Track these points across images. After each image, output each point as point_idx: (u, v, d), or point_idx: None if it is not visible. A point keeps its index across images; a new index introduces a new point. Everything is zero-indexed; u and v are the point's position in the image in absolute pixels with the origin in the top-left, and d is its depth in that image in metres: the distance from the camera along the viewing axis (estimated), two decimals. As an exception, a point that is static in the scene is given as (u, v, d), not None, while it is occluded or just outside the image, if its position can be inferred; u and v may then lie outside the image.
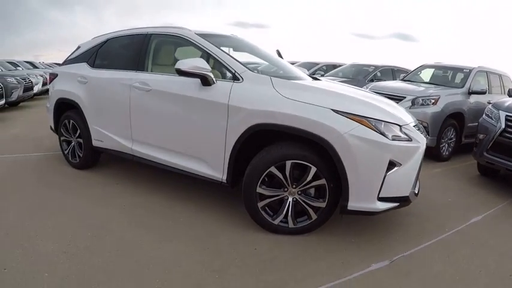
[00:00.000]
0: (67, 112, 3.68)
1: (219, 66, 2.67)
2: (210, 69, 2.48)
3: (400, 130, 2.29)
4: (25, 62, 12.15)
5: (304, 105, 2.25)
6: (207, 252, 2.23)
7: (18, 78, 7.98)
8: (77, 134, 3.59)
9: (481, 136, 3.70)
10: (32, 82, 8.75)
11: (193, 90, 2.58)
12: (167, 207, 2.85)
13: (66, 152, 3.78)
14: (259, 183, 2.37)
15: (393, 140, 2.22)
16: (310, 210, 2.38)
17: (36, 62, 13.65)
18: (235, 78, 2.50)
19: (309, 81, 2.84)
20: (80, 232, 2.40)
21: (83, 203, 2.87)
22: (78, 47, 3.82)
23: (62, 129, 3.76)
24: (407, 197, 2.35)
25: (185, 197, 3.05)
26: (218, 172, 2.58)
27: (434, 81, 5.54)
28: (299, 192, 2.38)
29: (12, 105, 8.09)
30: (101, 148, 3.41)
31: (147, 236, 2.40)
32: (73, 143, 3.70)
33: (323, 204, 2.35)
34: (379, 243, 2.45)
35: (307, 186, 2.34)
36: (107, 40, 3.47)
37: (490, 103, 4.99)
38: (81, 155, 3.61)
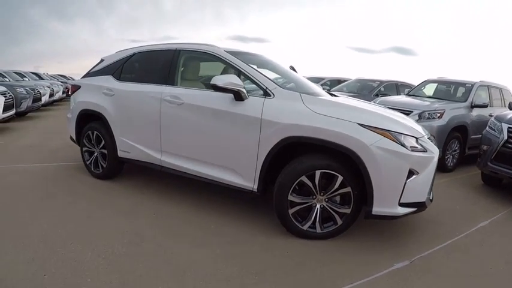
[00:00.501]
0: (90, 123, 3.80)
1: (249, 83, 2.83)
2: (243, 85, 2.67)
3: (417, 142, 2.49)
4: (31, 72, 12.24)
5: (333, 119, 2.44)
6: (242, 257, 2.34)
7: (27, 88, 8.08)
8: (101, 145, 3.69)
9: (484, 147, 3.91)
10: (40, 93, 8.87)
11: (227, 105, 2.75)
12: (196, 216, 2.95)
13: (88, 162, 3.88)
14: (290, 191, 2.52)
15: (412, 150, 2.41)
16: (337, 216, 2.54)
17: (42, 73, 13.75)
18: (266, 94, 2.69)
19: (330, 97, 3.03)
20: (114, 239, 2.48)
21: (111, 212, 2.95)
22: (102, 60, 3.97)
23: (84, 140, 3.87)
24: (424, 202, 2.52)
25: (211, 206, 3.16)
26: (249, 182, 2.72)
27: (437, 96, 5.80)
28: (326, 200, 2.54)
29: (20, 115, 8.16)
30: (126, 159, 3.52)
31: (182, 242, 2.49)
32: (96, 154, 3.80)
33: (348, 210, 2.52)
34: (397, 246, 2.60)
35: (334, 193, 2.51)
36: (133, 54, 3.64)
37: (491, 116, 5.24)
38: (104, 166, 3.71)
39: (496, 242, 2.82)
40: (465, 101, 5.13)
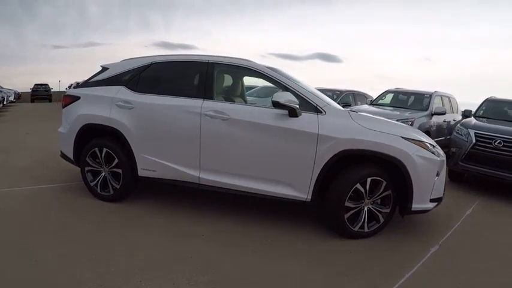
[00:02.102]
0: (97, 139, 3.36)
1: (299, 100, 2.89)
2: (298, 102, 2.79)
3: (434, 148, 3.02)
4: None
5: (381, 134, 2.81)
6: (319, 262, 2.49)
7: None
8: (113, 164, 3.30)
9: (454, 149, 4.77)
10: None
11: (280, 121, 2.83)
12: (242, 233, 2.90)
13: (93, 184, 3.41)
14: (347, 198, 2.77)
15: (437, 156, 2.95)
16: (380, 216, 2.89)
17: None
18: (317, 111, 2.86)
19: (368, 114, 3.39)
20: (186, 267, 2.32)
21: (155, 237, 2.70)
22: (105, 69, 3.55)
23: (87, 159, 3.39)
24: (442, 197, 3.09)
25: (252, 220, 3.15)
26: (303, 193, 2.86)
27: (397, 105, 6.74)
28: (371, 203, 2.87)
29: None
30: (150, 178, 3.22)
31: (255, 258, 2.49)
32: (103, 174, 3.37)
33: (388, 210, 2.90)
34: (420, 237, 3.06)
35: (379, 197, 2.86)
36: (151, 64, 3.36)
37: (445, 121, 6.32)
38: (117, 187, 3.32)
39: (488, 221, 3.64)
40: (427, 109, 6.11)
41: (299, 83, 3.09)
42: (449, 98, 7.16)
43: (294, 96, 2.78)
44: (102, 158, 3.34)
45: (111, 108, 3.27)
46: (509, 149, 4.12)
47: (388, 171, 2.82)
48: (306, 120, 2.81)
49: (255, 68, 3.09)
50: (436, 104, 6.22)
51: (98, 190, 3.40)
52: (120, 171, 3.28)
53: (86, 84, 3.60)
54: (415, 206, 2.84)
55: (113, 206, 3.29)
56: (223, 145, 2.97)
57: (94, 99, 3.40)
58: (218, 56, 3.22)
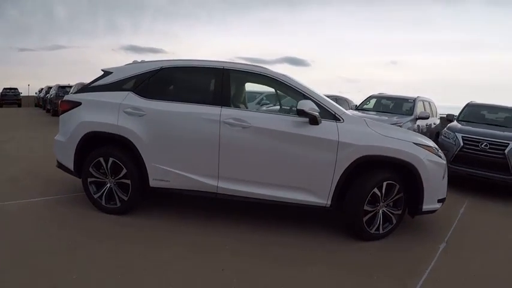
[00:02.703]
0: (101, 148, 3.15)
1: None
2: (319, 110, 2.85)
3: (438, 152, 3.23)
4: None
5: (395, 140, 2.95)
6: (349, 266, 2.57)
7: None
8: (121, 174, 3.10)
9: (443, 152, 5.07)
10: None
11: (301, 128, 2.87)
12: (261, 241, 2.86)
13: (97, 196, 3.18)
14: (366, 202, 2.87)
15: (443, 159, 3.17)
16: (393, 217, 3.04)
17: None
18: (335, 118, 2.94)
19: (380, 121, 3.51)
20: (222, 281, 2.25)
21: (174, 252, 2.58)
22: (108, 73, 3.35)
23: (91, 169, 3.16)
24: (445, 197, 3.29)
25: (263, 228, 3.13)
26: (323, 199, 2.91)
27: (382, 110, 7.04)
28: (385, 205, 3.00)
29: None
30: (163, 188, 3.08)
31: (283, 266, 2.48)
32: (108, 185, 3.17)
33: (400, 212, 3.06)
34: (426, 237, 3.22)
35: (392, 199, 2.99)
36: (160, 69, 3.22)
37: (427, 125, 6.68)
38: (125, 198, 3.13)
39: (481, 218, 3.93)
40: (412, 114, 6.45)
41: (315, 91, 3.13)
42: (429, 102, 7.64)
43: (314, 105, 2.83)
44: (107, 169, 3.13)
45: (119, 115, 3.09)
46: (495, 150, 4.48)
47: (400, 175, 2.96)
48: (327, 128, 2.88)
49: (271, 75, 3.10)
50: (419, 109, 6.59)
51: (103, 202, 3.18)
52: (128, 182, 3.10)
53: (87, 89, 3.37)
54: (426, 206, 3.02)
55: (120, 219, 3.10)
56: (243, 153, 2.93)
57: (98, 105, 3.18)
58: (233, 63, 3.19)
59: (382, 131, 2.99)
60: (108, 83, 3.28)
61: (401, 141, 2.96)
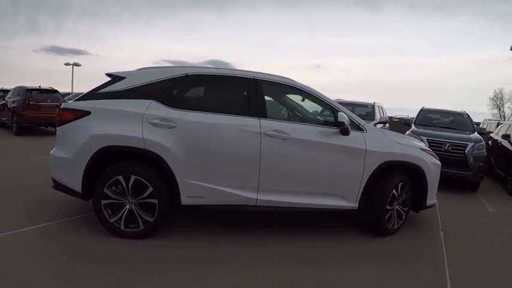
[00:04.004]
0: (120, 165, 2.76)
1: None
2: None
3: (435, 154, 3.79)
4: None
5: (408, 147, 3.37)
6: (376, 262, 2.81)
7: None
8: (146, 194, 2.76)
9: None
10: None
11: (334, 138, 3.03)
12: (305, 246, 2.94)
13: (113, 220, 2.77)
14: (388, 201, 3.19)
15: (439, 161, 3.71)
16: (403, 214, 3.43)
17: None
18: (359, 129, 3.17)
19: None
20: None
21: (227, 272, 2.44)
22: (119, 78, 2.93)
23: (106, 190, 2.74)
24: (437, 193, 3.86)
25: (301, 234, 3.21)
26: (352, 202, 3.13)
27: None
28: (399, 204, 3.36)
29: None
30: (197, 206, 2.86)
31: (342, 269, 2.60)
32: (127, 207, 2.79)
33: (407, 208, 3.49)
34: (421, 227, 3.72)
35: (403, 198, 3.38)
36: (186, 76, 2.95)
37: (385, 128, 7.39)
38: (151, 220, 2.79)
39: (454, 208, 4.56)
40: (372, 119, 7.12)
41: (336, 103, 3.32)
42: (381, 107, 8.54)
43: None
44: (128, 188, 2.75)
45: (143, 126, 2.73)
46: (456, 151, 5.31)
47: (409, 176, 3.35)
48: (355, 138, 3.10)
49: (299, 87, 3.20)
50: (377, 114, 7.33)
51: (122, 227, 2.78)
52: (155, 201, 2.77)
53: (93, 96, 2.88)
54: (428, 202, 3.50)
55: (143, 244, 2.75)
56: (283, 164, 2.94)
57: (115, 115, 2.77)
58: (263, 73, 3.16)
59: (396, 138, 3.37)
60: (122, 90, 2.88)
61: (411, 147, 3.39)
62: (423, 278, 2.58)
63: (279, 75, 3.22)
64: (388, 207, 3.21)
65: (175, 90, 2.93)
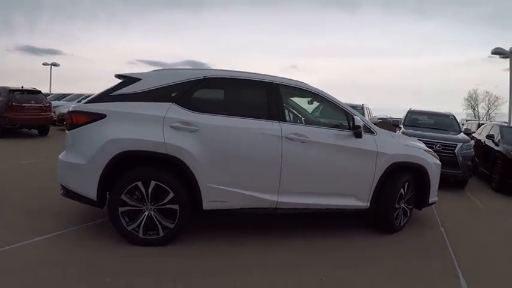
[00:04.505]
0: (139, 171, 2.67)
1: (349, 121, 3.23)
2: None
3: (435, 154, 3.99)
4: None
5: (414, 148, 3.56)
6: (402, 255, 2.94)
7: None
8: (167, 199, 2.68)
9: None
10: None
11: (348, 141, 3.14)
12: (319, 249, 3.00)
13: (132, 228, 2.67)
14: (397, 200, 3.36)
15: (439, 161, 3.93)
16: (408, 211, 3.61)
17: None
18: (370, 132, 3.30)
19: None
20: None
21: (273, 279, 2.44)
22: (134, 79, 2.82)
23: (124, 197, 2.63)
24: None
25: (311, 236, 3.27)
26: (364, 202, 3.25)
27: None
28: (404, 202, 3.52)
29: None
30: (218, 210, 2.82)
31: (364, 266, 2.69)
32: (146, 213, 2.70)
33: (411, 206, 3.66)
34: (421, 224, 3.90)
35: (408, 197, 3.54)
36: (204, 78, 2.90)
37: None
38: (171, 226, 2.72)
39: (449, 205, 4.79)
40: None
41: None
42: (369, 108, 8.83)
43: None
44: (147, 194, 2.66)
45: (164, 130, 2.65)
46: (447, 150, 5.60)
47: (413, 176, 3.52)
48: (368, 140, 3.22)
49: (314, 91, 3.28)
50: (366, 115, 7.59)
51: (140, 234, 2.68)
52: (176, 207, 2.70)
53: (107, 98, 2.75)
54: (431, 200, 3.71)
55: (162, 251, 2.66)
56: (302, 166, 2.99)
57: (133, 118, 2.67)
58: (279, 77, 3.18)
59: (402, 140, 3.55)
60: (138, 92, 2.78)
61: (416, 148, 3.58)
62: (436, 269, 2.78)
63: (292, 79, 3.25)
64: (396, 205, 3.36)
65: (194, 93, 2.87)
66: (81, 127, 2.67)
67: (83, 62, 62.76)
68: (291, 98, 3.53)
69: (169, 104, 2.76)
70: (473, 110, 43.68)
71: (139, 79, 2.83)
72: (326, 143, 3.05)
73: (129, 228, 2.67)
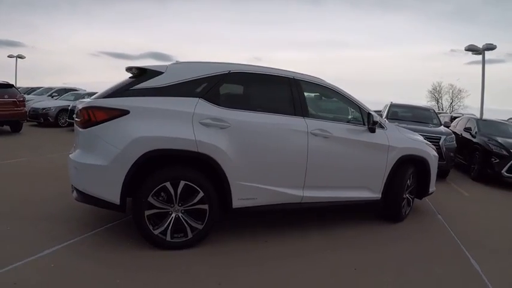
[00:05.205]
0: (168, 170, 2.52)
1: (364, 116, 3.36)
2: None
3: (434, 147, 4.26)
4: None
5: (418, 142, 3.80)
6: (412, 240, 3.12)
7: None
8: (196, 199, 2.56)
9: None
10: None
11: (364, 136, 3.27)
12: (338, 236, 3.14)
13: (158, 232, 2.52)
14: (405, 191, 3.58)
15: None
16: (411, 201, 3.85)
17: None
18: (381, 126, 3.44)
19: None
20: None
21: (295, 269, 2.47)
22: (157, 73, 2.62)
23: (152, 199, 2.47)
24: None
25: (329, 226, 3.38)
26: (377, 193, 3.42)
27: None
28: (408, 193, 3.72)
29: None
30: (247, 208, 2.76)
31: (381, 250, 2.84)
32: (173, 215, 2.56)
33: (413, 196, 3.88)
34: (420, 213, 4.15)
35: (412, 187, 3.74)
36: (229, 73, 2.78)
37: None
38: (200, 227, 2.61)
39: (439, 194, 4.97)
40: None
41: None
42: None
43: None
44: (175, 195, 2.51)
45: (194, 127, 2.51)
46: (431, 143, 5.90)
47: (416, 168, 3.74)
48: (380, 135, 3.38)
49: (332, 87, 3.33)
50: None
51: (167, 238, 2.54)
52: (205, 207, 2.59)
53: (128, 92, 2.53)
54: (431, 190, 3.98)
55: (191, 253, 2.56)
56: (325, 161, 3.05)
57: (159, 114, 2.48)
58: (299, 73, 3.18)
59: (408, 134, 3.77)
60: (162, 86, 2.59)
61: (419, 142, 3.81)
62: (444, 249, 3.08)
63: (311, 75, 3.27)
64: (407, 196, 3.58)
65: (220, 88, 2.75)
66: (101, 125, 2.42)
67: (44, 54, 57.53)
68: (310, 94, 3.54)
69: (196, 99, 2.61)
70: (437, 102, 44.54)
71: (162, 72, 2.63)
72: (346, 138, 3.15)
73: (156, 232, 2.51)
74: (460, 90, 42.95)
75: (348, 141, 3.15)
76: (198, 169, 2.57)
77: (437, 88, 44.45)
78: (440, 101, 44.56)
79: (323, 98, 3.91)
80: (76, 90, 13.25)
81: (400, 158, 3.45)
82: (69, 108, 9.94)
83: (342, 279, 2.40)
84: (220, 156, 2.56)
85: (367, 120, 3.29)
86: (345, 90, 3.45)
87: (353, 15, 70.88)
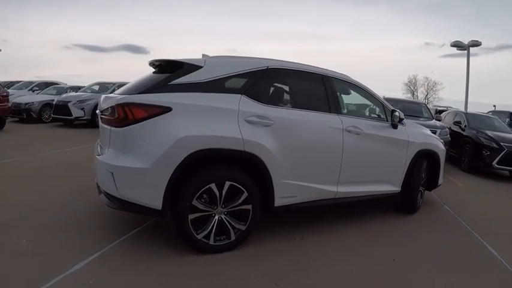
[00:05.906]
0: (214, 171, 2.39)
1: (386, 113, 3.47)
2: None
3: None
4: None
5: (431, 137, 4.00)
6: (426, 231, 3.29)
7: None
8: (240, 200, 2.47)
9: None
10: None
11: (389, 132, 3.38)
12: (352, 232, 3.16)
13: (201, 236, 2.40)
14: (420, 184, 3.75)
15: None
16: (423, 193, 4.04)
17: None
18: (401, 123, 3.54)
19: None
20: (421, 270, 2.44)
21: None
22: (196, 67, 2.46)
23: (196, 202, 2.33)
24: None
25: (338, 222, 3.44)
26: (397, 187, 3.55)
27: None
28: (421, 185, 3.90)
29: None
30: (287, 206, 2.71)
31: (396, 244, 2.95)
32: (216, 217, 2.45)
33: (424, 189, 4.07)
34: (430, 203, 4.37)
35: (424, 180, 3.92)
36: (267, 69, 2.68)
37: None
38: (243, 228, 2.53)
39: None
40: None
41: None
42: None
43: None
44: (220, 196, 2.40)
45: (240, 125, 2.39)
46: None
47: (428, 161, 3.92)
48: (402, 131, 3.51)
49: (357, 84, 3.37)
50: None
51: (210, 241, 2.43)
52: (249, 207, 2.51)
53: (166, 87, 2.34)
54: (439, 181, 4.20)
55: (233, 256, 2.48)
56: (358, 157, 3.10)
57: (202, 111, 2.34)
58: (330, 70, 3.18)
59: (423, 130, 3.94)
60: (202, 82, 2.43)
61: (431, 137, 4.01)
62: (458, 234, 3.33)
63: (340, 72, 3.28)
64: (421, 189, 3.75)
65: (260, 84, 2.63)
66: (139, 123, 2.22)
67: (16, 47, 52.86)
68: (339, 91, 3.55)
69: (239, 95, 2.48)
70: (413, 94, 45.19)
71: (201, 66, 2.47)
72: (374, 134, 3.22)
73: (199, 236, 2.38)
74: (435, 83, 43.94)
75: (375, 137, 3.23)
76: (242, 168, 2.46)
77: (413, 81, 45.32)
78: (415, 94, 45.21)
79: (350, 94, 3.93)
80: (57, 84, 12.33)
81: (417, 152, 3.60)
82: (54, 103, 9.34)
83: (391, 270, 2.47)
84: (265, 155, 2.47)
85: (391, 117, 3.38)
86: (370, 88, 3.49)
87: (331, 9, 71.38)
